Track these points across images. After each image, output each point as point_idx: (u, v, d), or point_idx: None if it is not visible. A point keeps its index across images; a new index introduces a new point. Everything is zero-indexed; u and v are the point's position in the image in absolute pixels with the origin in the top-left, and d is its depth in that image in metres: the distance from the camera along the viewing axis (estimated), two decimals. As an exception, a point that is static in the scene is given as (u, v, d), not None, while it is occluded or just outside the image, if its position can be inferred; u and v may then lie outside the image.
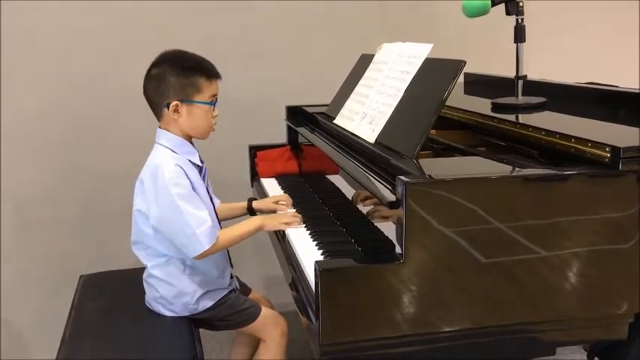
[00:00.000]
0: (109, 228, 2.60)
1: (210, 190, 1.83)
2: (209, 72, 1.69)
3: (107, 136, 2.58)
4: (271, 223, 1.78)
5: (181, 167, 1.64)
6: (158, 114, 1.71)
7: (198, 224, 1.61)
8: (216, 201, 1.96)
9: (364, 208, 1.66)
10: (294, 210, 1.88)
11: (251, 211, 2.00)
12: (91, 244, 2.63)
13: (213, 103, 1.70)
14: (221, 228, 1.79)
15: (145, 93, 1.70)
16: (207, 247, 1.62)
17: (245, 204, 2.01)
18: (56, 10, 2.43)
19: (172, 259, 1.72)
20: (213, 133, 1.76)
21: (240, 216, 1.99)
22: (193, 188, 1.66)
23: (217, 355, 2.52)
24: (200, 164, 1.74)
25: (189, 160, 1.70)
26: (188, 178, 1.65)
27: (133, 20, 2.52)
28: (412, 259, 1.22)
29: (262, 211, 1.97)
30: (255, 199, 2.05)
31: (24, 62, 2.44)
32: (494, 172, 1.30)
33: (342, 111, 1.93)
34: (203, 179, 1.75)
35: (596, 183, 1.30)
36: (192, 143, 1.74)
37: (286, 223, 1.75)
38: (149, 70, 1.69)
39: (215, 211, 1.80)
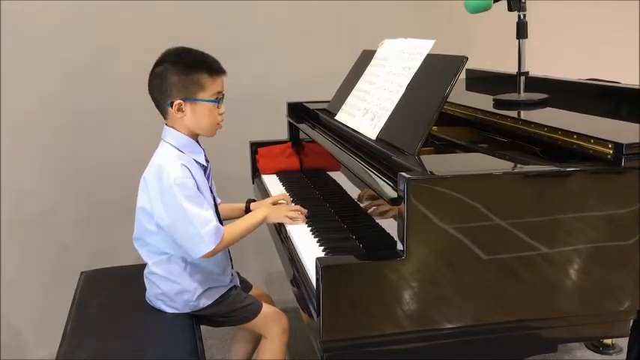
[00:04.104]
0: (110, 224, 2.59)
1: (214, 190, 1.82)
2: (212, 69, 1.67)
3: (108, 130, 2.58)
4: (275, 214, 1.78)
5: (187, 167, 1.63)
6: (163, 112, 1.70)
7: (202, 224, 1.60)
8: (217, 201, 1.96)
9: (366, 205, 1.65)
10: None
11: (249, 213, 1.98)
12: (91, 240, 2.63)
13: (217, 100, 1.68)
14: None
15: (150, 92, 1.69)
16: (212, 248, 1.61)
17: (243, 205, 2.00)
18: (57, 4, 2.43)
19: (173, 257, 1.72)
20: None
21: (239, 217, 1.98)
22: (198, 188, 1.65)
23: (218, 351, 2.52)
24: (205, 164, 1.73)
25: (195, 160, 1.69)
26: (193, 177, 1.64)
27: (133, 14, 2.51)
28: (414, 255, 1.22)
29: None
30: (254, 200, 2.04)
31: (24, 57, 2.43)
32: (496, 169, 1.29)
33: (344, 107, 1.92)
34: (207, 179, 1.74)
35: (599, 179, 1.30)
36: (198, 142, 1.73)
37: (291, 218, 1.74)
38: (153, 69, 1.67)
39: (217, 211, 1.79)
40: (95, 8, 2.47)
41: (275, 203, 1.91)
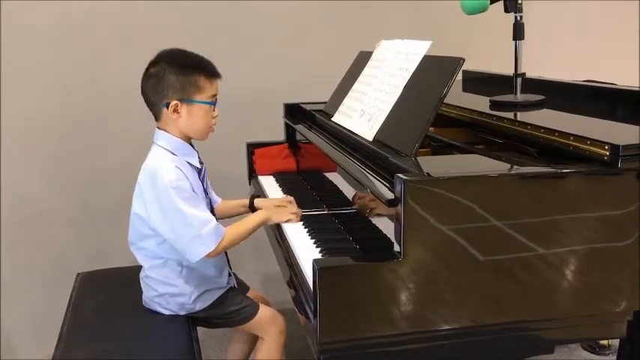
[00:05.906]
0: (107, 225, 2.59)
1: (210, 191, 1.81)
2: (209, 71, 1.66)
3: (106, 132, 2.57)
4: (277, 215, 1.77)
5: (180, 169, 1.62)
6: (156, 114, 1.68)
7: (202, 225, 1.59)
8: (217, 199, 1.95)
9: (357, 204, 1.65)
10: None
11: (253, 209, 1.97)
12: (89, 242, 2.62)
13: (213, 103, 1.68)
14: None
15: (143, 92, 1.67)
16: (212, 248, 1.60)
17: (247, 201, 1.99)
18: (56, 4, 2.42)
19: (169, 261, 1.71)
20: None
21: (242, 214, 1.97)
22: (193, 190, 1.64)
23: (215, 353, 2.52)
24: (199, 166, 1.72)
25: (188, 162, 1.68)
26: (187, 179, 1.63)
27: (130, 17, 2.50)
28: (410, 256, 1.22)
29: None
30: (258, 196, 2.04)
31: (23, 59, 2.42)
32: (492, 170, 1.30)
33: (341, 108, 1.92)
34: (202, 181, 1.73)
35: (595, 181, 1.30)
36: (191, 145, 1.72)
37: (292, 213, 1.75)
38: (147, 69, 1.66)
39: (213, 213, 1.78)
40: (94, 8, 2.46)
41: (278, 206, 1.90)
